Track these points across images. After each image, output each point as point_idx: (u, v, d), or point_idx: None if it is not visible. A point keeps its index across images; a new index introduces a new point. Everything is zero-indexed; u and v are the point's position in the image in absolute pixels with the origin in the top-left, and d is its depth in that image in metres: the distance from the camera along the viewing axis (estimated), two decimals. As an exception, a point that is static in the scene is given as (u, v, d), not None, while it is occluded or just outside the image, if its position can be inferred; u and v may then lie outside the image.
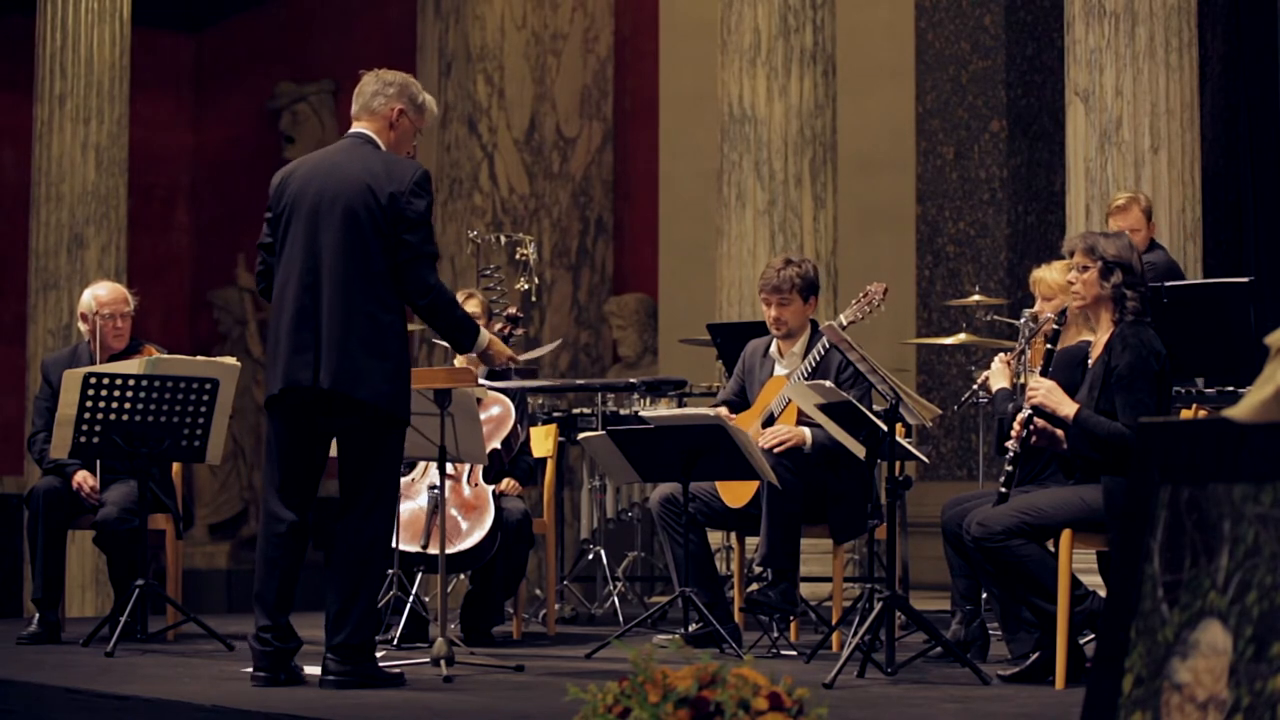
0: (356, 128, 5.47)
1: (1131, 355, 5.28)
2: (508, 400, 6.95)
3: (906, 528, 7.33)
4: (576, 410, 8.66)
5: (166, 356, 6.94)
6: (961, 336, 8.40)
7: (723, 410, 6.54)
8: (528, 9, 12.88)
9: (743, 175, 9.14)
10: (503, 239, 8.76)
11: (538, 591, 8.46)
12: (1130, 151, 7.65)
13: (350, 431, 5.29)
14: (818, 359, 6.60)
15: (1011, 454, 5.42)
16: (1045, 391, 5.39)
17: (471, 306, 7.15)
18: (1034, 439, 5.45)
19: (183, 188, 15.50)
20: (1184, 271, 7.42)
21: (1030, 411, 5.42)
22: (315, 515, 5.43)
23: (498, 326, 7.25)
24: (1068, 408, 5.34)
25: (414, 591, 6.66)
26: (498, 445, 6.79)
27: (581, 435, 6.83)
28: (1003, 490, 5.38)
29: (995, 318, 8.50)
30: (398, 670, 5.44)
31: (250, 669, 5.38)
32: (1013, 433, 5.45)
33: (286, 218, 5.36)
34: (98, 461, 6.97)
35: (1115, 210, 7.24)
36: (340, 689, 5.17)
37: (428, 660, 5.64)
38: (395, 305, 5.27)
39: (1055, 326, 5.55)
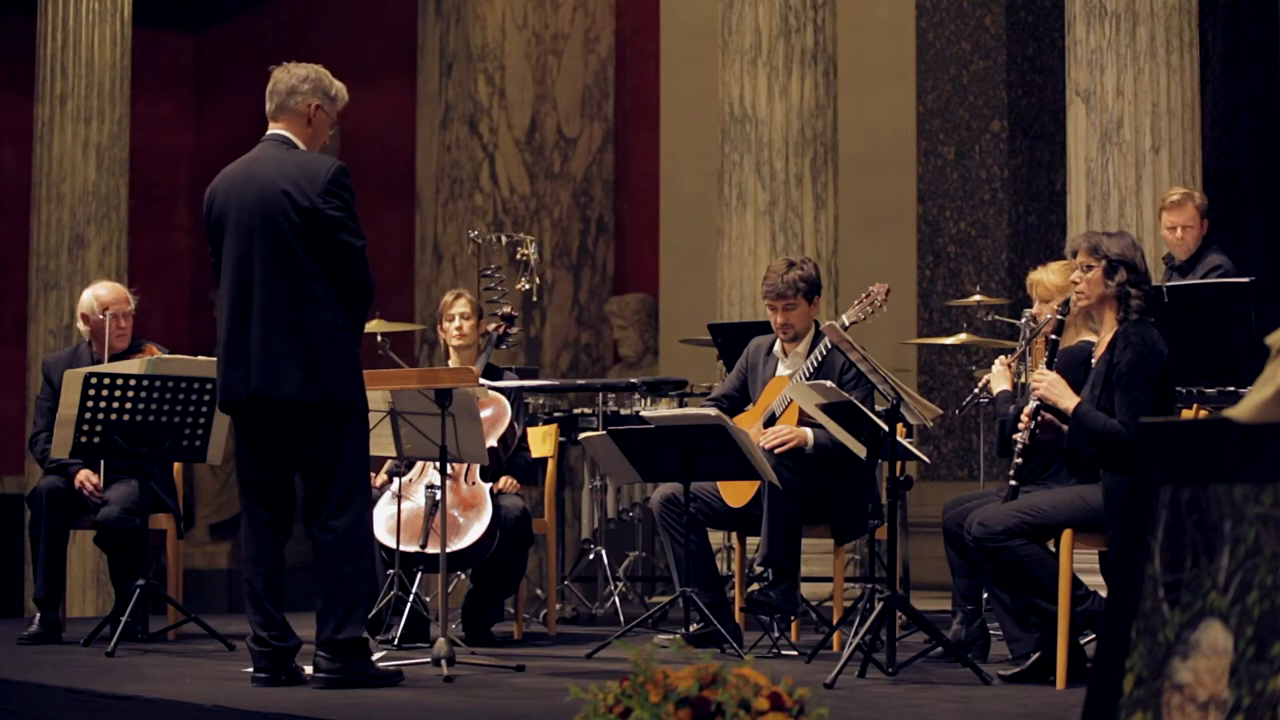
0: (274, 129, 5.50)
1: (1133, 354, 5.29)
2: (503, 398, 6.95)
3: (907, 528, 7.33)
4: (577, 410, 8.66)
5: (167, 356, 6.94)
6: (962, 336, 8.40)
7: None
8: (528, 9, 12.88)
9: (743, 175, 9.14)
10: (503, 239, 8.76)
11: (539, 591, 8.46)
12: (1131, 151, 7.65)
13: (310, 431, 5.32)
14: (820, 359, 6.60)
15: (1020, 446, 5.43)
16: (1048, 384, 5.41)
17: (461, 306, 7.16)
18: (1039, 432, 5.45)
19: (183, 188, 15.49)
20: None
21: (1037, 403, 5.43)
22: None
23: (491, 325, 7.25)
24: (1068, 401, 5.35)
25: (414, 591, 6.66)
26: (494, 443, 6.79)
27: (582, 435, 6.83)
28: (1013, 483, 5.39)
29: (996, 318, 8.51)
30: (394, 669, 5.44)
31: (250, 669, 5.38)
32: (1020, 425, 5.46)
33: (218, 234, 5.44)
34: (101, 461, 6.97)
35: (1170, 205, 7.23)
36: (331, 687, 5.17)
37: (428, 660, 5.64)
38: (331, 303, 5.30)
39: (1060, 317, 5.55)
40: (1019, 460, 5.42)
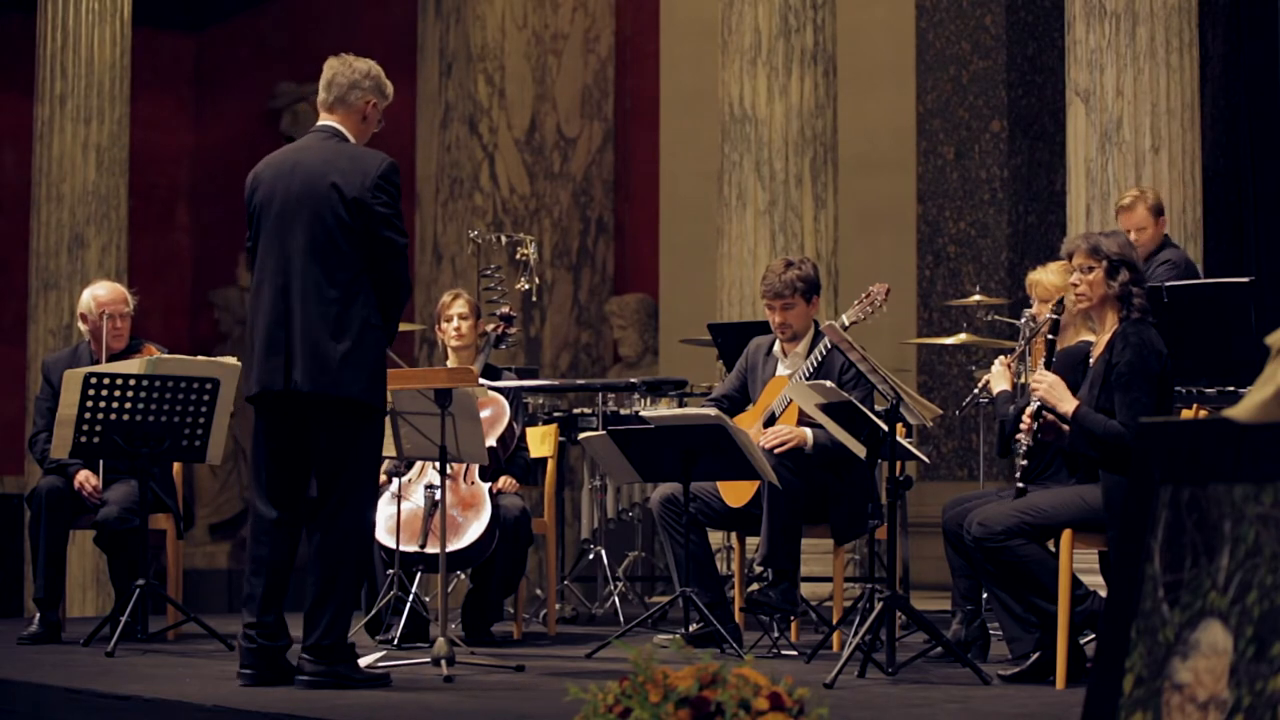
0: (326, 120, 5.44)
1: (1132, 354, 5.29)
2: (501, 398, 6.95)
3: (907, 528, 7.32)
4: (577, 410, 8.66)
5: (167, 356, 6.93)
6: (962, 336, 8.40)
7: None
8: (528, 9, 12.88)
9: (743, 175, 9.14)
10: (503, 239, 8.77)
11: (538, 591, 8.46)
12: (1131, 151, 7.65)
13: (328, 429, 5.29)
14: (820, 359, 6.60)
15: (1024, 448, 5.43)
16: (1047, 387, 5.41)
17: (459, 307, 7.15)
18: (1040, 434, 5.45)
19: (183, 188, 15.50)
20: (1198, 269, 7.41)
21: (1039, 404, 5.44)
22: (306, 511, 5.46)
23: (490, 326, 7.25)
24: (1068, 404, 5.36)
25: (414, 591, 6.66)
26: (493, 443, 6.78)
27: (582, 435, 6.83)
28: (1020, 485, 5.41)
29: (996, 318, 8.51)
30: (383, 671, 5.42)
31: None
32: (1023, 426, 5.47)
33: (258, 220, 5.40)
34: (100, 461, 6.97)
35: (1120, 210, 7.24)
36: (314, 689, 5.16)
37: (428, 660, 5.64)
38: (368, 299, 5.26)
39: (1054, 317, 5.56)
40: (1024, 462, 5.42)
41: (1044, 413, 5.44)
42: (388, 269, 5.28)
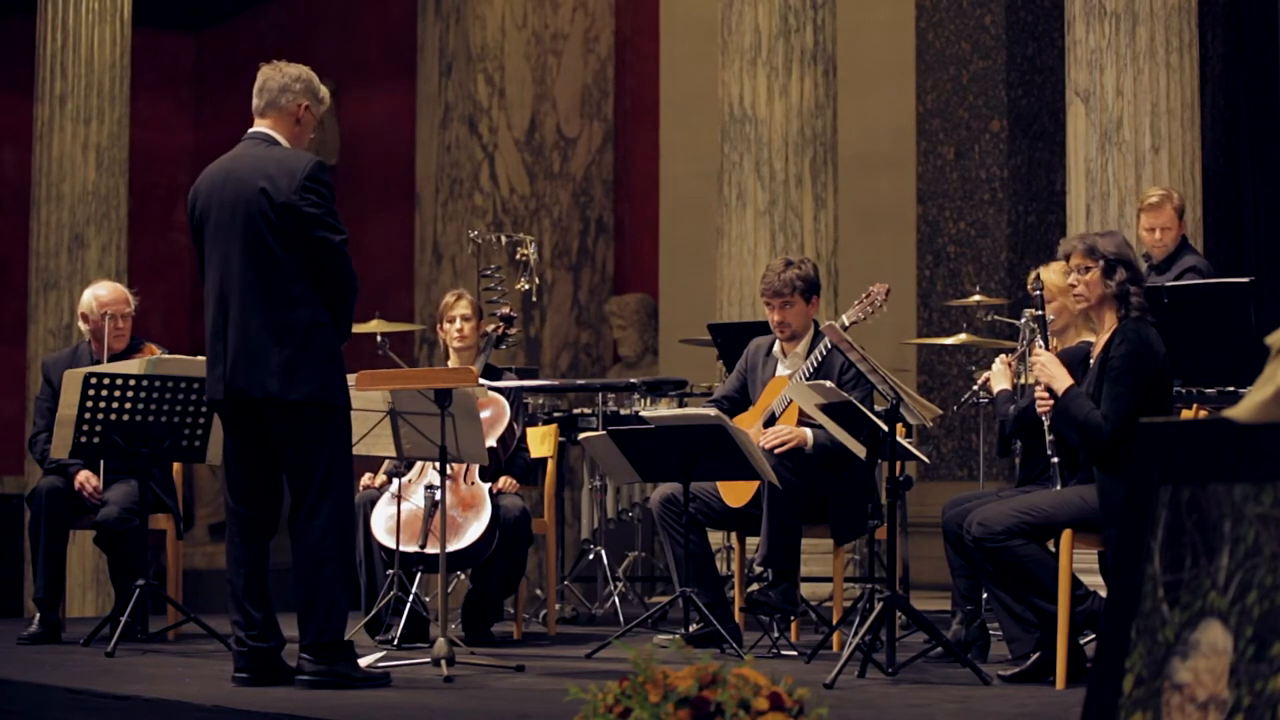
0: (259, 126, 5.47)
1: (1127, 349, 5.32)
2: (501, 398, 6.95)
3: (907, 528, 7.32)
4: (577, 410, 8.66)
5: (167, 356, 6.93)
6: (962, 336, 8.40)
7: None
8: (528, 9, 12.88)
9: (743, 175, 9.14)
10: (503, 239, 8.76)
11: (538, 591, 8.46)
12: (1131, 151, 7.65)
13: (290, 432, 5.28)
14: (820, 359, 6.60)
15: (1047, 422, 5.47)
16: (1041, 365, 5.44)
17: (462, 308, 7.15)
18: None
19: (183, 188, 15.42)
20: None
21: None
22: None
23: (490, 326, 7.25)
24: (1061, 383, 5.39)
25: (414, 591, 6.66)
26: (493, 443, 6.78)
27: (582, 435, 6.83)
28: (1054, 461, 5.47)
29: (996, 318, 8.51)
30: (382, 670, 5.42)
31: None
32: (1040, 408, 5.50)
33: (200, 234, 5.42)
34: (100, 461, 6.97)
35: (1147, 207, 7.23)
36: (314, 689, 5.16)
37: (428, 660, 5.64)
38: (311, 300, 5.26)
39: (1037, 291, 5.62)
40: (1051, 437, 5.48)
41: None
42: (327, 268, 5.27)
